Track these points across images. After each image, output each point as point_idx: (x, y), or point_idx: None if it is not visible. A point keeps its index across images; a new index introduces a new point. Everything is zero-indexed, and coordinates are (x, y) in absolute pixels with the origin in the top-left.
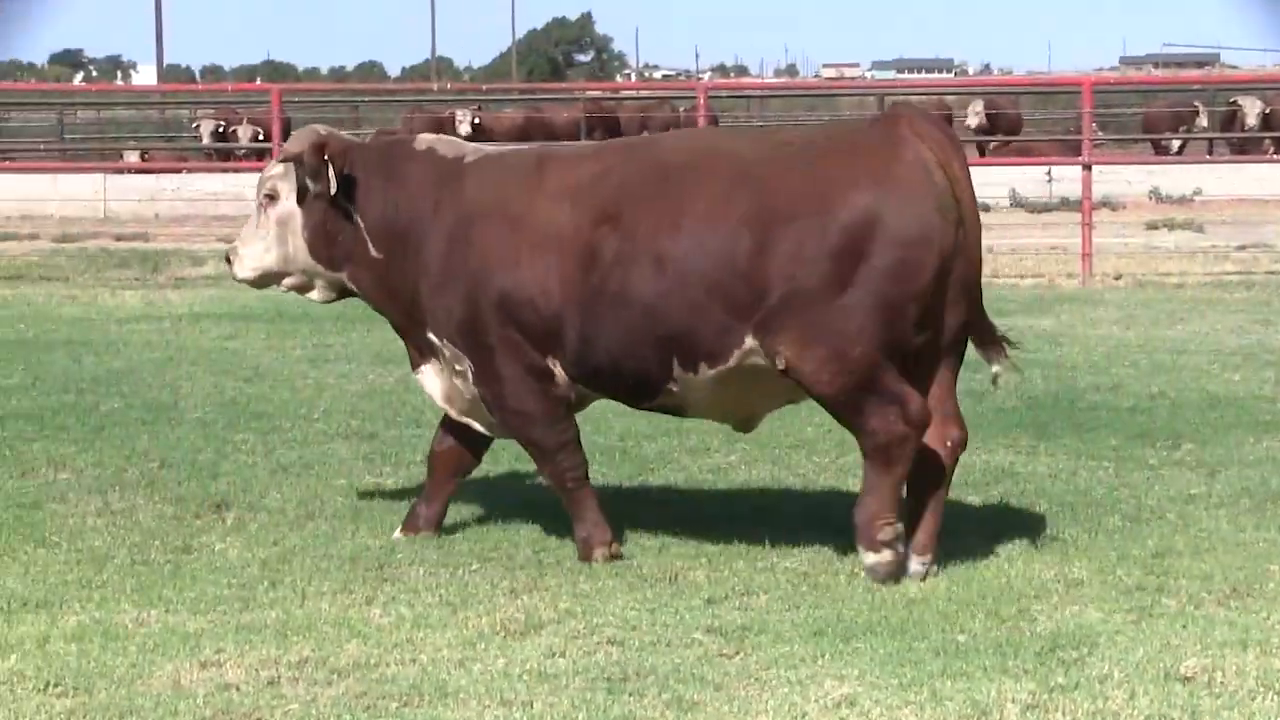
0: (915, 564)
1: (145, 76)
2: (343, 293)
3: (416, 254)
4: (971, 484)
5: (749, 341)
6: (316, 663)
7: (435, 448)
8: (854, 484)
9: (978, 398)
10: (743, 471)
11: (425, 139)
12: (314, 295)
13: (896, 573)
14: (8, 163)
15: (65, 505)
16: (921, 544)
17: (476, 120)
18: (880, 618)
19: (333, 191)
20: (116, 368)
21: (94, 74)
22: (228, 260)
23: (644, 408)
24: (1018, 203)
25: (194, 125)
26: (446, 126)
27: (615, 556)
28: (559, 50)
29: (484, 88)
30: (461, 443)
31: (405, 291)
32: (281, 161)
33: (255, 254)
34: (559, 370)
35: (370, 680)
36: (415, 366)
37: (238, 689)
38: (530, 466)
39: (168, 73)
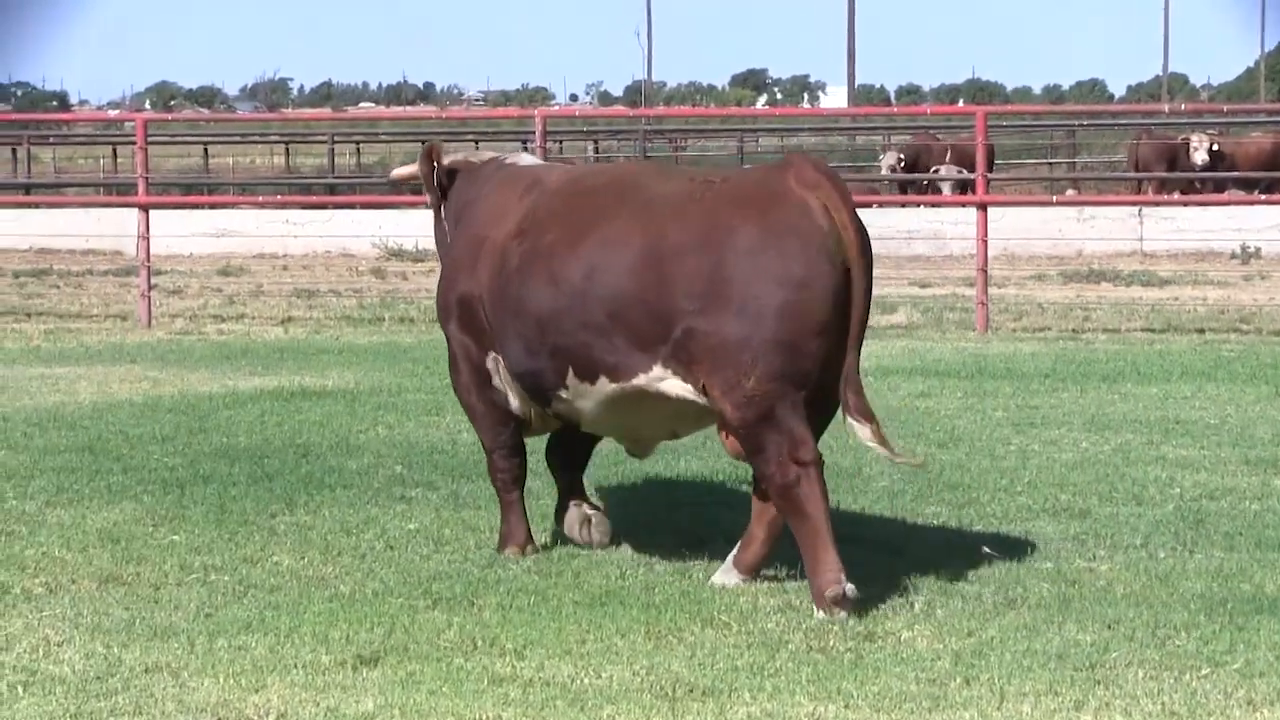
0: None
1: (834, 98)
2: None
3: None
4: None
5: (657, 369)
6: None
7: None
8: None
9: None
10: None
11: (497, 156)
12: None
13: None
14: None
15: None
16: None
17: (1214, 146)
18: None
19: (435, 201)
20: None
21: (778, 96)
22: None
23: (548, 412)
24: None
25: (881, 154)
26: (1179, 154)
27: (526, 553)
28: None
29: (1224, 108)
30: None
31: None
32: (400, 181)
33: None
34: (495, 368)
35: None
36: None
37: None
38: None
39: (859, 94)
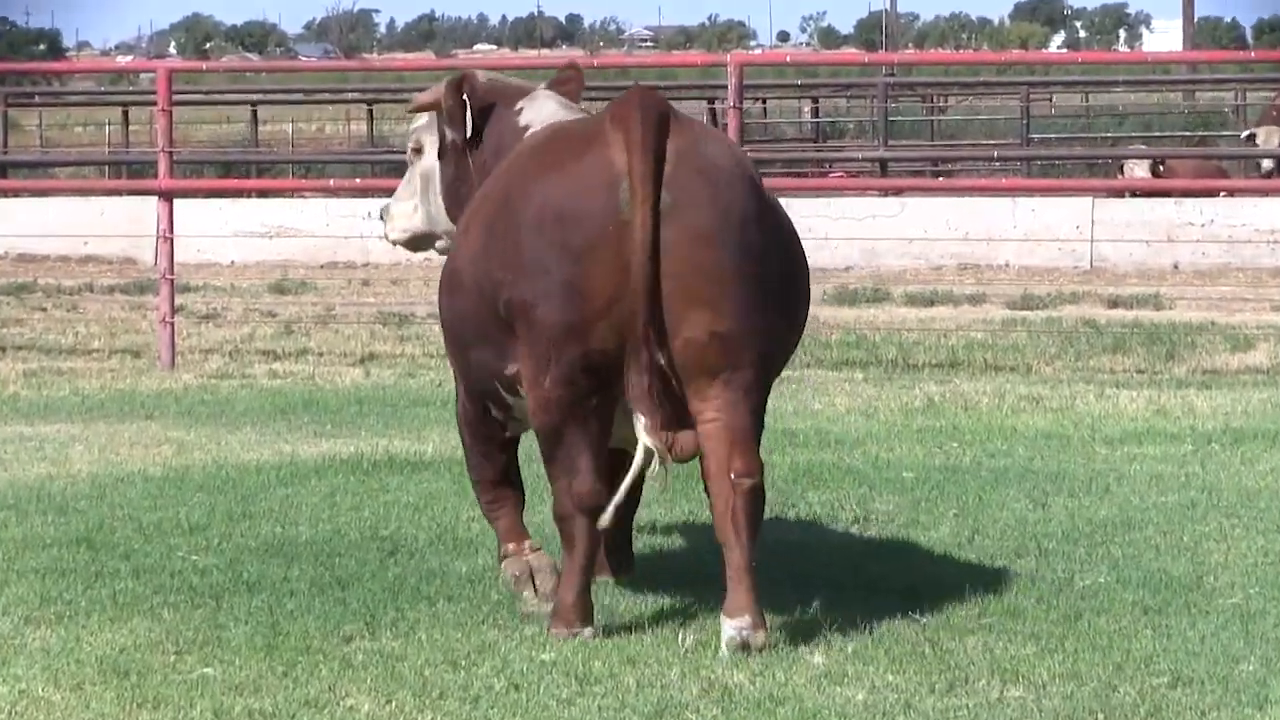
0: (728, 629)
1: (1163, 38)
2: None
3: None
4: None
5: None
6: None
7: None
8: None
9: None
10: None
11: (530, 94)
12: None
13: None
14: (943, 180)
15: None
16: (730, 606)
17: None
18: None
19: (467, 137)
20: (1103, 517)
21: (1082, 35)
22: (381, 218)
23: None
24: None
25: (1246, 134)
26: None
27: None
28: None
29: None
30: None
31: None
32: (419, 110)
33: (404, 213)
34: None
35: None
36: None
37: None
38: None
39: (1200, 31)
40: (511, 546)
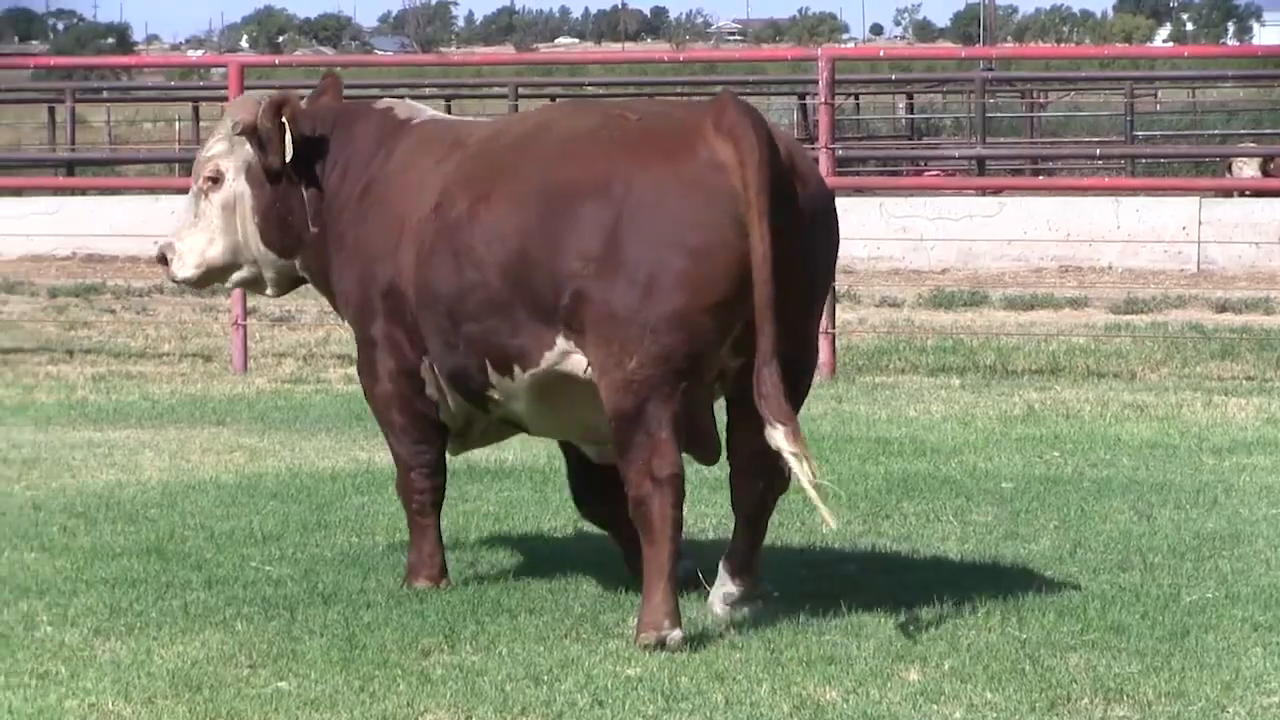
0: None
1: (1273, 32)
2: (294, 283)
3: (334, 224)
4: None
5: (560, 343)
6: None
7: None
8: None
9: None
10: None
11: (387, 101)
12: (267, 291)
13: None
14: (1043, 179)
15: None
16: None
17: None
18: None
19: (286, 160)
20: (1211, 530)
21: (1188, 28)
22: (162, 259)
23: (493, 415)
24: None
25: None
26: None
27: (441, 587)
28: None
29: None
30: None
31: (324, 269)
32: (235, 134)
33: (197, 248)
34: (430, 374)
35: None
36: None
37: None
38: None
39: None
40: (425, 583)
